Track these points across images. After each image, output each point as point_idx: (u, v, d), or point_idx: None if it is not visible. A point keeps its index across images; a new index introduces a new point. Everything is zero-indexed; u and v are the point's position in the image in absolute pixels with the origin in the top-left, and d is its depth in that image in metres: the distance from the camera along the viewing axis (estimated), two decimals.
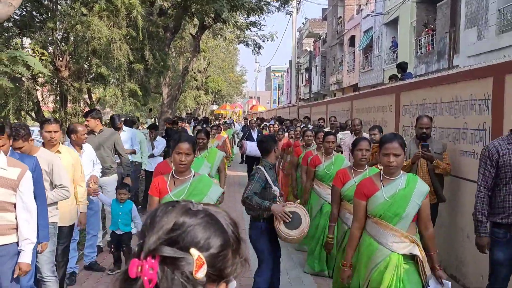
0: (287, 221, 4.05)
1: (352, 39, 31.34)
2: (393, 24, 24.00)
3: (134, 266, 0.93)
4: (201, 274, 0.94)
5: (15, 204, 3.28)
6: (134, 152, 7.69)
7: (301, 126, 10.27)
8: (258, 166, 4.41)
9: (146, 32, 9.30)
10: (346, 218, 4.44)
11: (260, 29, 13.84)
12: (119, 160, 6.61)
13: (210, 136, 9.04)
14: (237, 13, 11.62)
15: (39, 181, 3.59)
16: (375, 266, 3.31)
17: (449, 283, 3.28)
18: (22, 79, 7.38)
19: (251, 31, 13.89)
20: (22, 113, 7.83)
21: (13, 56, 3.99)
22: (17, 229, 3.32)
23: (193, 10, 11.00)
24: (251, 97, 58.94)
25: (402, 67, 9.72)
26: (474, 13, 15.86)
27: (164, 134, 10.70)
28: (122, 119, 8.63)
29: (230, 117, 33.73)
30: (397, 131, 7.38)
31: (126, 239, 5.62)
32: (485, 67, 5.02)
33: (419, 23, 21.03)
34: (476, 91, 5.04)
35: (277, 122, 15.21)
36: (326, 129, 8.85)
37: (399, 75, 9.47)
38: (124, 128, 7.75)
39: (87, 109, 10.46)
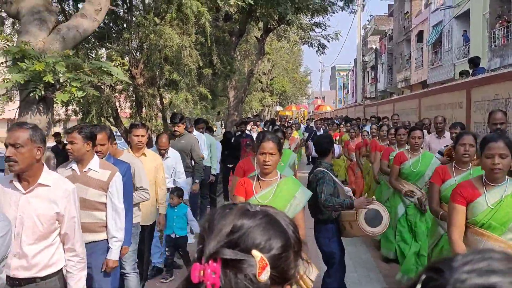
0: (371, 204, 3.96)
1: (420, 35, 30.39)
2: (464, 17, 23.03)
3: (196, 271, 0.90)
4: (264, 276, 0.91)
5: (105, 204, 3.54)
6: (202, 158, 7.59)
7: (378, 124, 10.20)
8: (320, 168, 4.32)
9: (213, 37, 9.68)
10: (442, 221, 3.86)
11: (324, 30, 13.86)
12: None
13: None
14: (302, 15, 11.74)
15: (128, 186, 3.83)
16: None
17: None
18: (102, 87, 7.95)
19: (315, 32, 13.96)
20: (102, 119, 8.41)
21: (98, 67, 4.37)
22: (106, 227, 3.58)
23: (257, 14, 11.27)
24: (316, 97, 58.68)
25: (474, 62, 9.37)
26: None
27: (222, 138, 10.54)
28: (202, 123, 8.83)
29: (296, 118, 33.81)
30: (467, 128, 7.19)
31: (181, 243, 5.62)
32: None
33: (492, 14, 20.05)
34: None
35: (343, 122, 15.10)
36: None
37: (471, 71, 9.16)
38: (194, 132, 7.81)
39: (159, 113, 11.03)
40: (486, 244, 2.92)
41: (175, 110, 16.49)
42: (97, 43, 8.75)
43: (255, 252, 0.91)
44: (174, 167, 5.78)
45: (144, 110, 9.22)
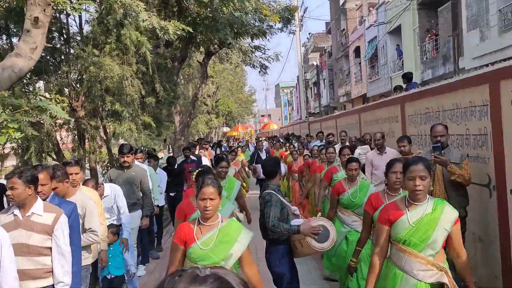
0: (319, 232, 4.08)
1: (357, 50, 31.64)
2: (396, 32, 24.25)
3: None
4: None
5: (50, 249, 3.43)
6: None
7: (323, 143, 10.30)
8: (267, 191, 4.40)
9: (155, 65, 9.68)
10: None
11: (264, 53, 14.17)
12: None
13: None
14: (241, 39, 11.98)
15: (75, 227, 3.72)
16: None
17: None
18: (41, 122, 7.75)
19: (255, 55, 14.26)
20: (44, 154, 8.17)
21: (37, 106, 4.31)
22: (52, 272, 3.45)
23: (198, 40, 11.40)
24: (262, 116, 59.41)
25: (407, 77, 9.91)
26: (475, 15, 16.07)
27: (166, 164, 9.99)
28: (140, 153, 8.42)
29: (243, 138, 34.02)
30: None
31: (117, 283, 5.30)
32: (481, 75, 5.22)
33: (421, 29, 21.28)
34: (474, 98, 5.24)
35: (288, 141, 15.31)
36: (337, 146, 8.63)
37: (404, 86, 9.67)
38: (136, 162, 7.32)
39: (104, 145, 10.80)
40: (408, 260, 3.11)
41: (120, 139, 16.23)
42: (34, 77, 8.54)
43: None
44: (112, 205, 5.60)
45: (87, 142, 9.05)
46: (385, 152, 6.76)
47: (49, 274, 3.46)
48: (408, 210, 3.16)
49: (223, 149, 18.14)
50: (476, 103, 5.23)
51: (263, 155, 12.68)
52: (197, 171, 4.79)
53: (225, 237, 3.23)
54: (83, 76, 8.42)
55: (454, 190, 4.73)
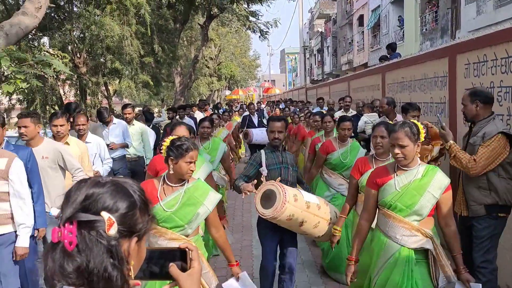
0: (247, 194, 3.75)
1: (361, 19, 31.64)
2: (399, 2, 24.30)
3: (55, 233, 1.07)
4: (112, 231, 1.09)
5: (9, 193, 3.46)
6: (126, 146, 6.96)
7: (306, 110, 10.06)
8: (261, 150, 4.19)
9: (156, 25, 10.15)
10: None
11: (258, 19, 14.46)
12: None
13: (220, 125, 8.62)
14: (238, 4, 12.34)
15: (34, 170, 3.77)
16: (385, 262, 3.07)
17: (479, 285, 3.00)
18: (46, 76, 8.32)
19: (249, 21, 14.57)
20: (47, 107, 8.79)
21: (41, 60, 4.86)
22: (13, 218, 3.48)
23: (197, 3, 11.80)
24: (265, 81, 59.55)
25: (392, 47, 10.36)
26: None
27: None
28: (136, 109, 8.33)
29: (244, 102, 34.44)
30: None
31: None
32: (442, 48, 5.74)
33: (423, 0, 21.37)
34: (437, 70, 5.77)
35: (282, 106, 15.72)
36: (339, 112, 8.25)
37: (389, 56, 10.12)
38: (115, 120, 6.99)
39: (105, 101, 11.41)
40: (392, 225, 3.03)
41: (123, 97, 16.70)
42: (39, 33, 9.07)
43: (103, 213, 1.10)
44: (96, 153, 5.45)
45: (88, 97, 9.65)
46: (396, 120, 5.64)
47: (10, 220, 3.52)
48: (397, 175, 3.07)
49: (220, 111, 18.60)
50: (438, 74, 5.75)
51: (255, 119, 12.16)
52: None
53: (190, 199, 3.07)
54: (85, 34, 8.94)
55: (470, 180, 3.77)
